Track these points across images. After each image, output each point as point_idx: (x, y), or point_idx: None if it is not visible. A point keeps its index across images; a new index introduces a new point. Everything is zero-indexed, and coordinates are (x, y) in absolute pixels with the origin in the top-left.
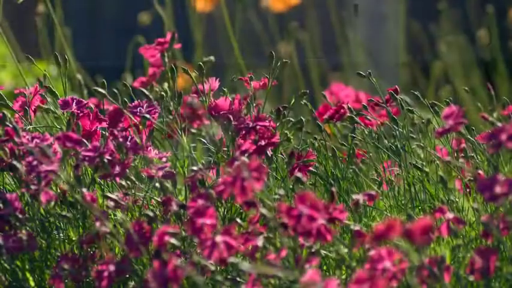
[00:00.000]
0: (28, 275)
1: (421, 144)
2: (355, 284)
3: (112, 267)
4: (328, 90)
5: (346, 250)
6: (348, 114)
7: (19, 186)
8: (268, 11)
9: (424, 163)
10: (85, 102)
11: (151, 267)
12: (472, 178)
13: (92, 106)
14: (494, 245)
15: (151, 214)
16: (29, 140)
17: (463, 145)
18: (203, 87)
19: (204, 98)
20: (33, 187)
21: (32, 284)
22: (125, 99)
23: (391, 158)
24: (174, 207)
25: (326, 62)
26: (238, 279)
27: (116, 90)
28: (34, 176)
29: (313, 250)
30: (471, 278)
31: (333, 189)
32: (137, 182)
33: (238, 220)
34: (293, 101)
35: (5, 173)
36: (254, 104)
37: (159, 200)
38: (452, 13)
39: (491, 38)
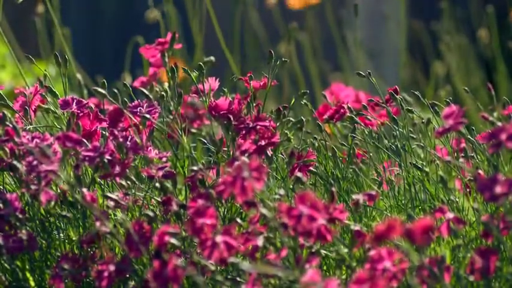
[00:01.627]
0: (28, 275)
1: (421, 144)
2: (355, 284)
3: (112, 267)
4: (328, 90)
5: (346, 250)
6: (348, 114)
7: (19, 186)
8: (271, 9)
9: (424, 163)
10: (85, 102)
11: (151, 267)
12: (472, 178)
13: (92, 106)
14: (494, 245)
15: (151, 214)
16: (29, 140)
17: (463, 145)
18: (203, 87)
19: (204, 98)
20: (33, 187)
21: (32, 284)
22: (125, 99)
23: (391, 158)
24: (174, 207)
25: (326, 62)
26: (238, 279)
27: (116, 90)
28: (34, 176)
29: (313, 250)
30: (471, 278)
31: (333, 189)
32: (137, 182)
33: (238, 220)
34: (293, 101)
35: (5, 173)
36: (254, 104)
37: (159, 200)
38: (454, 12)
39: (492, 37)
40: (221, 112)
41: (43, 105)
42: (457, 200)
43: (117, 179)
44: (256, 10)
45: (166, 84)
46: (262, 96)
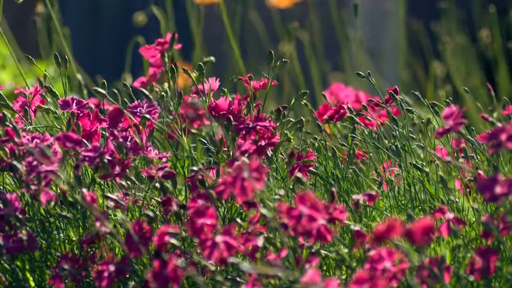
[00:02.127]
0: (28, 275)
1: (421, 144)
2: (355, 284)
3: (112, 267)
4: (328, 90)
5: (346, 250)
6: (348, 114)
7: (19, 186)
8: (271, 9)
9: (424, 163)
10: (85, 102)
11: (151, 267)
12: (472, 178)
13: (92, 106)
14: (494, 245)
15: (151, 214)
16: (29, 140)
17: (463, 145)
18: (203, 87)
19: (204, 98)
20: (33, 187)
21: (32, 284)
22: (125, 99)
23: (391, 158)
24: (174, 207)
25: (326, 62)
26: (238, 279)
27: (116, 91)
28: (34, 176)
29: (313, 250)
30: (471, 278)
31: (333, 189)
32: (137, 182)
33: (238, 220)
34: (293, 101)
35: (5, 173)
36: (254, 104)
37: (159, 200)
38: (456, 12)
39: (493, 37)
40: (221, 112)
41: (43, 106)
42: (457, 200)
43: (117, 179)
44: (257, 9)
45: (166, 85)
46: (262, 96)
